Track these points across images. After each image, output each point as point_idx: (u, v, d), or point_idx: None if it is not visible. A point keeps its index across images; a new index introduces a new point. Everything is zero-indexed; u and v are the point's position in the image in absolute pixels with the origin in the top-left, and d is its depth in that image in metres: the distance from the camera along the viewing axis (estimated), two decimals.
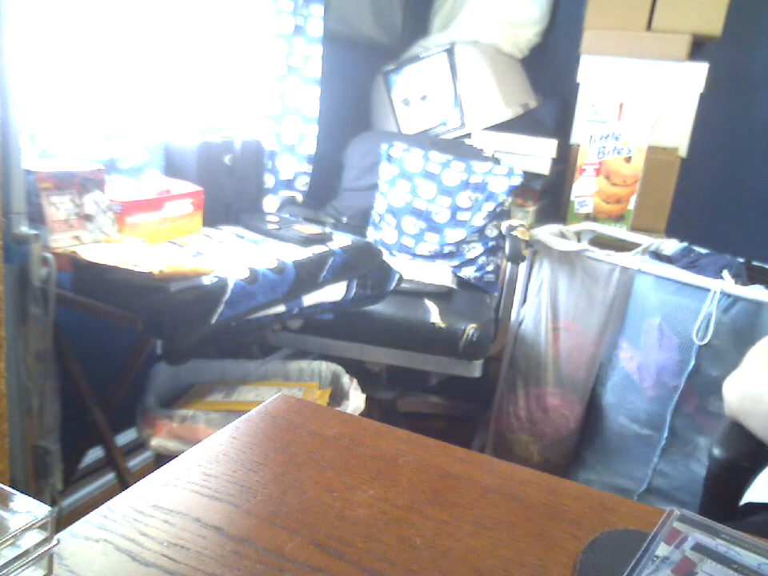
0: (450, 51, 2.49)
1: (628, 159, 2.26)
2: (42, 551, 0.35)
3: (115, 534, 0.41)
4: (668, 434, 1.74)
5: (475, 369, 1.88)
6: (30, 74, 1.44)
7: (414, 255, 2.26)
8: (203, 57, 1.97)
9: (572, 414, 1.95)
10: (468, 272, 2.20)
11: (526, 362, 1.99)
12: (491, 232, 2.20)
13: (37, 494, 1.38)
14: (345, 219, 2.35)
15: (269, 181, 2.16)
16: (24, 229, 1.22)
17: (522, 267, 1.97)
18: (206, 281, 1.25)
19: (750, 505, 0.87)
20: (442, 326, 1.82)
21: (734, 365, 1.02)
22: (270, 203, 2.13)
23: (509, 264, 2.00)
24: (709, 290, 1.63)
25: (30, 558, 0.34)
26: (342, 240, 1.65)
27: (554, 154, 2.41)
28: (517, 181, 2.18)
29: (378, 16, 2.69)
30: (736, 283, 1.65)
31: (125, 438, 1.85)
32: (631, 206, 2.29)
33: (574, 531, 0.42)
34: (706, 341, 1.64)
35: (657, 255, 1.89)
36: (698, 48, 2.35)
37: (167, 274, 1.20)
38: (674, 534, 0.37)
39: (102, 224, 1.38)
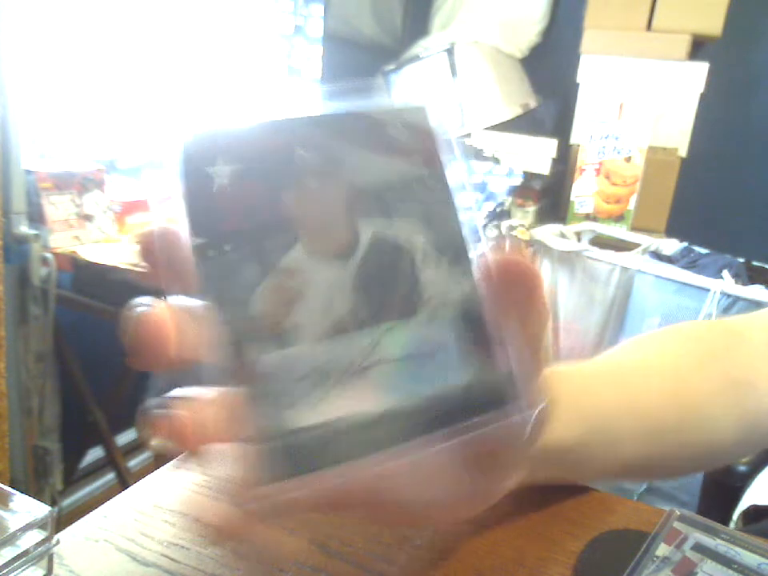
0: (449, 51, 2.49)
1: (628, 159, 2.26)
2: (42, 551, 0.35)
3: (115, 534, 0.41)
4: None
5: None
6: (30, 74, 1.44)
7: None
8: (203, 56, 1.97)
9: None
10: None
11: None
12: (491, 232, 2.20)
13: (37, 494, 1.38)
14: None
15: None
16: (24, 229, 1.22)
17: None
18: None
19: (755, 508, 0.86)
20: None
21: None
22: None
23: None
24: (709, 290, 1.63)
25: (29, 558, 0.34)
26: None
27: (554, 154, 2.41)
28: (517, 181, 2.18)
29: (378, 16, 2.69)
30: (736, 283, 1.65)
31: (125, 437, 1.85)
32: (631, 205, 2.29)
33: (574, 531, 0.42)
34: None
35: (657, 255, 1.89)
36: (698, 48, 2.34)
37: None
38: (673, 534, 0.37)
39: (101, 224, 1.38)
